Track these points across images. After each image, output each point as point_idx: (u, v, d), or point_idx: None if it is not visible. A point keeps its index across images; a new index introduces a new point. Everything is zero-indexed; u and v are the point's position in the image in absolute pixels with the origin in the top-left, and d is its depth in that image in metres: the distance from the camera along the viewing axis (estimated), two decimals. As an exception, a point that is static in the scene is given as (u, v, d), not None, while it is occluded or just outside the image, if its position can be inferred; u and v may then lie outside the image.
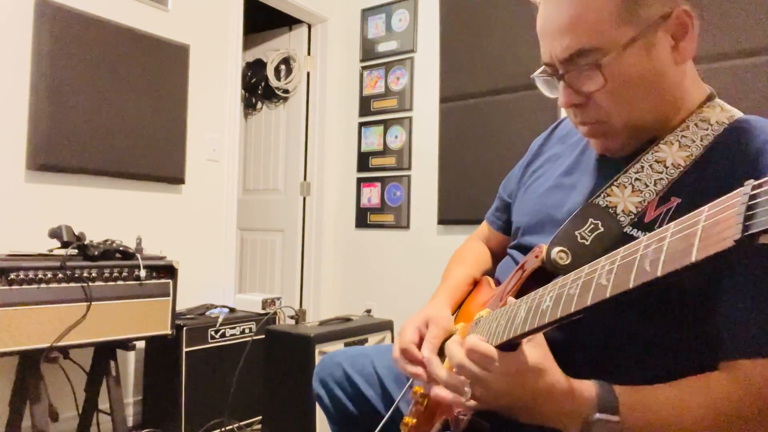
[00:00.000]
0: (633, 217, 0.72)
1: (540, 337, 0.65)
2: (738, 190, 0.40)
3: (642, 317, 0.70)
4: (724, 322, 0.66)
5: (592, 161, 0.85)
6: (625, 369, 0.71)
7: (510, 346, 0.64)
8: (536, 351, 0.64)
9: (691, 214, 0.44)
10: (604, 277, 0.51)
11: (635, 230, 0.71)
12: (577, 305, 0.52)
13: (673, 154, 0.73)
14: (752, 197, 0.38)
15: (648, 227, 0.70)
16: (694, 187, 0.70)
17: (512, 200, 1.03)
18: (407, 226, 3.11)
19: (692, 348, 0.69)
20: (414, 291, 2.97)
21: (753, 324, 0.64)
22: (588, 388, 0.63)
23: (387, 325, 2.34)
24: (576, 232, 0.72)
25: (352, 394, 1.07)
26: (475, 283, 1.05)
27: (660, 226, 0.63)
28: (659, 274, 0.44)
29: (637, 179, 0.74)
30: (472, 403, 0.67)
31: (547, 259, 0.70)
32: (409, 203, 3.11)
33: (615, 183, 0.75)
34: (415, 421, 0.89)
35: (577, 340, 0.73)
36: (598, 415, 0.60)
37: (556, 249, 0.70)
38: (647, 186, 0.73)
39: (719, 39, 2.15)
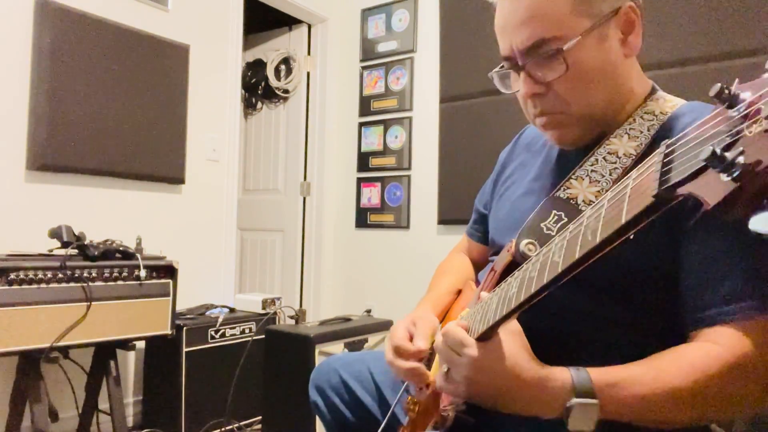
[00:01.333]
0: None
1: (516, 326, 0.68)
2: (657, 150, 0.43)
3: (621, 304, 0.73)
4: (685, 294, 0.69)
5: (553, 163, 0.90)
6: (599, 352, 0.73)
7: (488, 337, 0.65)
8: (510, 341, 0.66)
9: (622, 180, 0.48)
10: (557, 254, 0.53)
11: None
12: (537, 285, 0.55)
13: (624, 145, 0.77)
14: (667, 155, 0.41)
15: None
16: None
17: (488, 211, 1.06)
18: (407, 226, 3.11)
19: (662, 326, 0.72)
20: (414, 291, 2.95)
21: (712, 290, 0.67)
22: (562, 374, 0.64)
23: (387, 325, 2.34)
24: (541, 224, 0.76)
25: (349, 401, 1.07)
26: (460, 293, 1.06)
27: None
28: (598, 240, 0.47)
29: (593, 171, 0.78)
30: (452, 387, 0.69)
31: (516, 251, 0.73)
32: (409, 203, 3.11)
33: (573, 176, 0.79)
34: (409, 429, 0.89)
35: (552, 328, 0.75)
36: (575, 400, 0.61)
37: (525, 241, 0.73)
38: (603, 176, 0.76)
39: (718, 39, 2.15)
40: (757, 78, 0.35)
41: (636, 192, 0.44)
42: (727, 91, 0.35)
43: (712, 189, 0.35)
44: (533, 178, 0.93)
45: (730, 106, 0.35)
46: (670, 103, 0.79)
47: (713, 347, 0.64)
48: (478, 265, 1.12)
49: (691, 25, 2.21)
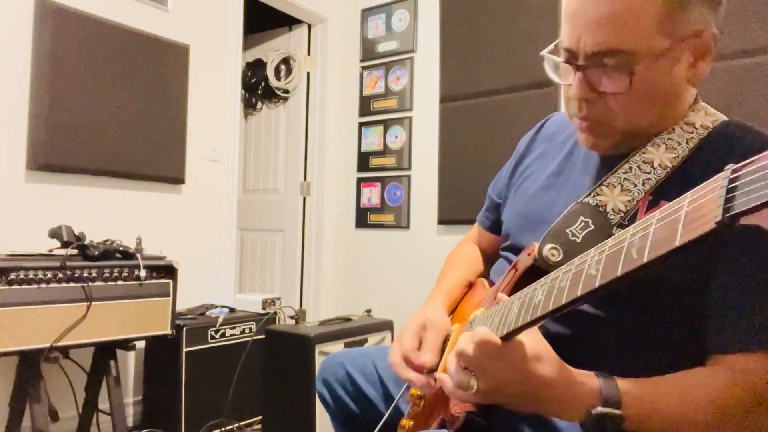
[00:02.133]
0: (623, 215, 0.73)
1: (534, 329, 0.65)
2: (719, 174, 0.41)
3: (636, 312, 0.71)
4: (715, 317, 0.67)
5: (580, 162, 0.86)
6: (612, 358, 0.72)
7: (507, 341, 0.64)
8: (532, 340, 0.64)
9: (675, 200, 0.45)
10: (593, 267, 0.51)
11: None
12: (568, 296, 0.53)
13: (660, 156, 0.74)
14: (732, 180, 0.39)
15: None
16: (681, 189, 0.72)
17: (502, 200, 1.03)
18: (407, 226, 3.11)
19: (684, 342, 0.70)
20: (414, 291, 2.97)
21: (744, 318, 0.65)
22: (590, 379, 0.63)
23: (387, 325, 2.34)
24: (567, 230, 0.73)
25: (354, 394, 1.08)
26: (470, 286, 1.05)
27: None
28: (645, 260, 0.45)
29: (626, 179, 0.75)
30: (476, 398, 0.66)
31: (539, 256, 0.71)
32: (409, 203, 3.11)
33: (605, 183, 0.77)
34: (412, 423, 0.89)
35: (566, 331, 0.74)
36: (600, 409, 0.61)
37: (548, 246, 0.71)
38: (635, 186, 0.74)
39: (720, 39, 2.15)
40: None
41: (693, 215, 0.42)
42: None
43: None
44: (554, 173, 0.90)
45: None
46: (711, 117, 0.77)
47: (740, 374, 0.64)
48: (488, 255, 1.11)
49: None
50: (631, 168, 0.75)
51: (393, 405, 0.98)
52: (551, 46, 0.78)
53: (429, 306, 0.97)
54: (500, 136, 2.70)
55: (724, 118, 0.78)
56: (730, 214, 0.38)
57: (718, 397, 0.63)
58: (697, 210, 0.42)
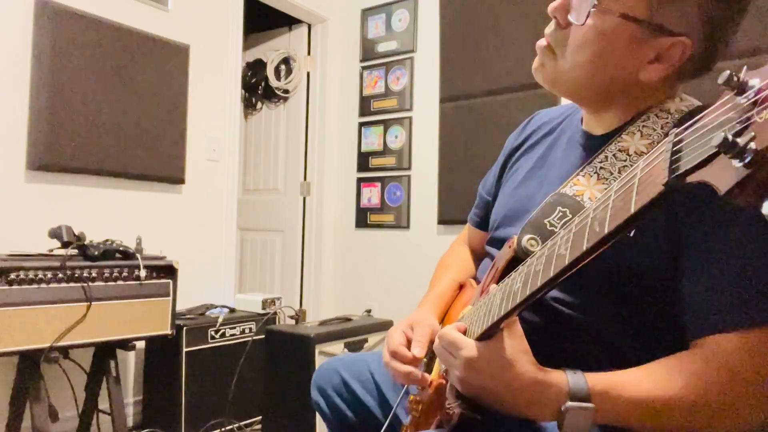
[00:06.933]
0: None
1: (518, 329, 0.66)
2: (665, 139, 0.43)
3: (611, 301, 0.72)
4: (687, 302, 0.67)
5: (560, 154, 0.88)
6: (598, 352, 0.72)
7: (492, 334, 0.65)
8: (511, 342, 0.65)
9: (629, 171, 0.47)
10: (562, 247, 0.53)
11: None
12: (542, 279, 0.54)
13: (636, 143, 0.75)
14: (676, 143, 0.41)
15: None
16: None
17: (491, 197, 1.05)
18: (407, 226, 3.11)
19: (663, 331, 0.71)
20: (414, 291, 2.95)
21: (714, 299, 0.65)
22: (558, 376, 0.64)
23: (387, 325, 2.34)
24: (545, 220, 0.74)
25: (350, 401, 1.07)
26: (461, 288, 1.06)
27: None
28: (606, 231, 0.47)
29: (602, 168, 0.76)
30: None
31: (518, 247, 0.72)
32: (409, 203, 3.11)
33: (581, 173, 0.77)
34: (412, 428, 0.89)
35: (552, 327, 0.75)
36: (570, 404, 0.61)
37: (527, 237, 0.72)
38: (612, 174, 0.75)
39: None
40: (764, 66, 0.35)
41: (645, 181, 0.44)
42: (735, 78, 0.35)
43: (724, 175, 0.35)
44: (535, 165, 0.92)
45: (739, 93, 0.35)
46: (686, 102, 0.77)
47: (715, 355, 0.63)
48: (478, 254, 1.11)
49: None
50: (606, 157, 0.76)
51: (392, 413, 0.97)
52: None
53: (417, 311, 0.99)
54: (500, 136, 2.67)
55: (699, 103, 0.77)
56: (676, 174, 0.40)
57: (688, 379, 0.62)
58: (648, 176, 0.44)
